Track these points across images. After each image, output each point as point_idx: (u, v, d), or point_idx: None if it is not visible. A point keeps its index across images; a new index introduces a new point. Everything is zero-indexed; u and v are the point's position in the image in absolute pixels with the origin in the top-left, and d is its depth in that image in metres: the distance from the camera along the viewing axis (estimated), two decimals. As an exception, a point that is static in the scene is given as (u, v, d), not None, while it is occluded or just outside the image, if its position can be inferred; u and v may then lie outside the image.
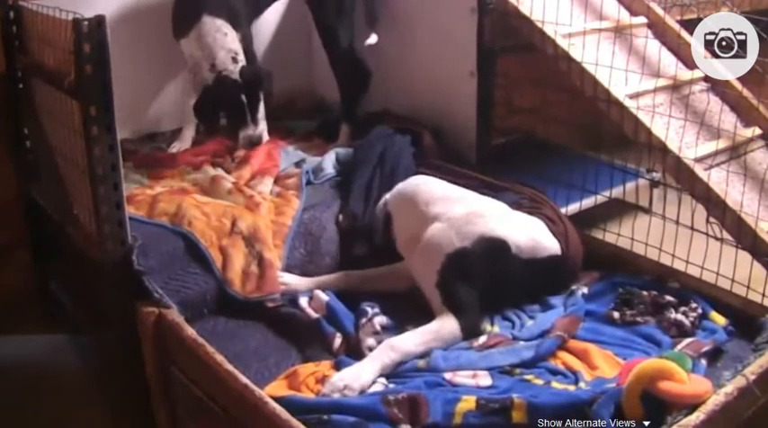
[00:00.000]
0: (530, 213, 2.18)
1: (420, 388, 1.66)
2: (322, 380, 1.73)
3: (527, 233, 2.06)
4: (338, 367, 1.78)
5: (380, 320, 1.95)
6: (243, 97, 2.54)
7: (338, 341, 1.91)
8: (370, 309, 1.97)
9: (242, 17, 2.72)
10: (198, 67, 2.62)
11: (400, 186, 2.23)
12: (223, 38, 2.58)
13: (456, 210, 2.05)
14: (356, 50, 2.91)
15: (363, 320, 1.95)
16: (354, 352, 1.87)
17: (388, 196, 2.23)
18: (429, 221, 2.05)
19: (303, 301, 2.04)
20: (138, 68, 2.78)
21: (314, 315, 1.99)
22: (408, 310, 2.00)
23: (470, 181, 2.39)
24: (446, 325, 1.89)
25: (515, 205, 2.24)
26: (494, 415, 1.55)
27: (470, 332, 1.90)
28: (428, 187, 2.17)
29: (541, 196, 2.34)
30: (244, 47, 2.70)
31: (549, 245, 2.08)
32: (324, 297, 2.04)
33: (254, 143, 2.59)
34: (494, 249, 1.98)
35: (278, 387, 1.72)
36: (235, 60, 2.57)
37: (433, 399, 1.58)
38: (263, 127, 2.63)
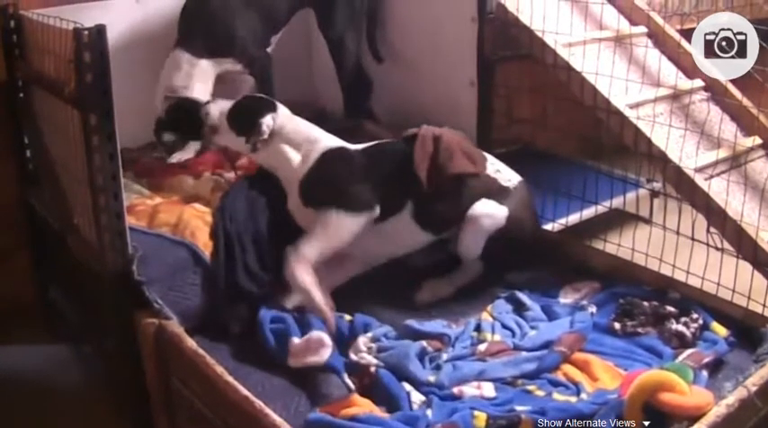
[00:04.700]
0: None
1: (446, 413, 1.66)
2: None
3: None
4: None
5: (363, 339, 1.91)
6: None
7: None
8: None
9: (239, 42, 2.68)
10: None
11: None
12: (175, 73, 2.59)
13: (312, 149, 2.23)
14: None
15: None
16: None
17: None
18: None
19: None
20: (140, 77, 2.77)
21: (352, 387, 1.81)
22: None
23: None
24: (331, 217, 2.06)
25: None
26: None
27: (364, 203, 2.09)
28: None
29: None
30: (250, 69, 2.71)
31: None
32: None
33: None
34: (334, 154, 2.21)
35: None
36: (167, 98, 2.60)
37: None
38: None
